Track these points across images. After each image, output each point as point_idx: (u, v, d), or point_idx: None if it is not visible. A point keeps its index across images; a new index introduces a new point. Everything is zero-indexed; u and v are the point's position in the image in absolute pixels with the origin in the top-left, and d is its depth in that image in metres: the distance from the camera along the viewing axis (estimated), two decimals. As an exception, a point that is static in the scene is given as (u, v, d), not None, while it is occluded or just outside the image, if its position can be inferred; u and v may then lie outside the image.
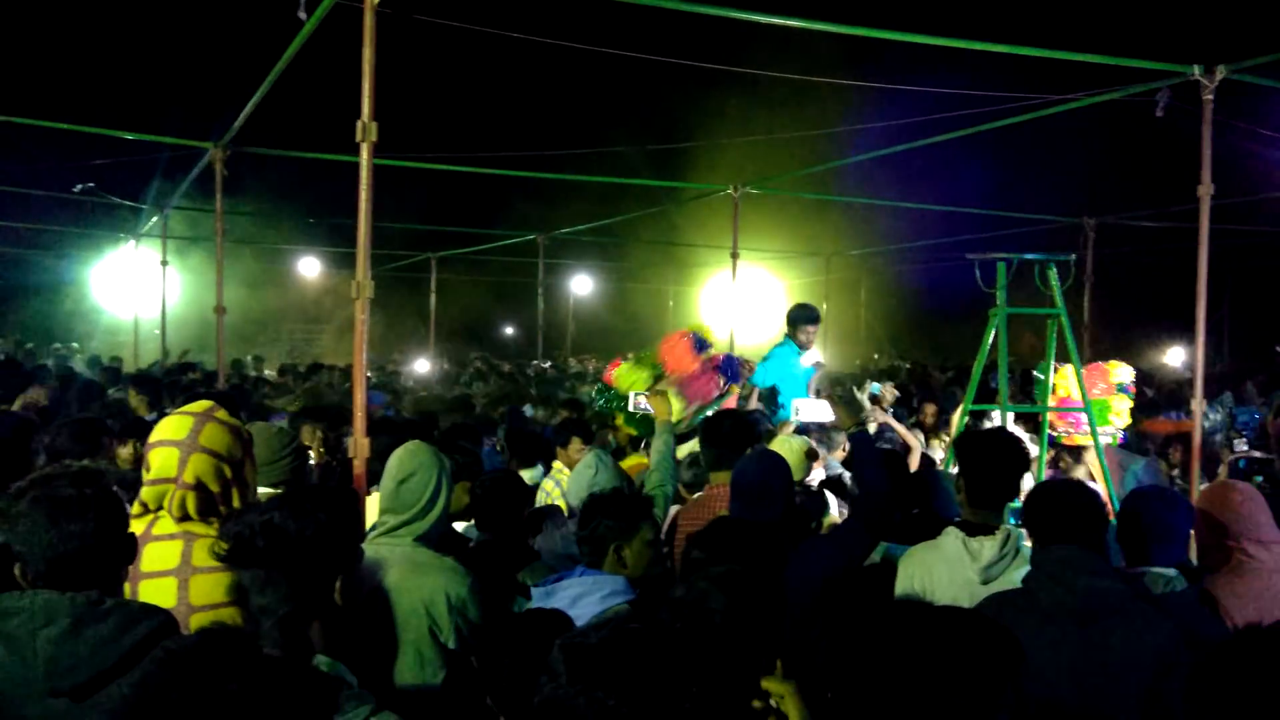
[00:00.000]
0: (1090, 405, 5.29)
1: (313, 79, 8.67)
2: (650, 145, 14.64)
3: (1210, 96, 5.71)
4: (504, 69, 18.85)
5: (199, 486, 2.61)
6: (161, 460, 2.62)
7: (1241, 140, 7.67)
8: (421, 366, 17.56)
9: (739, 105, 14.72)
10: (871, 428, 6.76)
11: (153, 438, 2.69)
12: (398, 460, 3.11)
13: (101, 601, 2.03)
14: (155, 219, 13.54)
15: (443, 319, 20.34)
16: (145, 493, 2.65)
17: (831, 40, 6.14)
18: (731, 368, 5.05)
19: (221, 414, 2.74)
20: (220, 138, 8.70)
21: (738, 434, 4.16)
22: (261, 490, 3.30)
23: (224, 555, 2.17)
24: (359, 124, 4.20)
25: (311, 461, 5.78)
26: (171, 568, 2.55)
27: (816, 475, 5.27)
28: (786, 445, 4.77)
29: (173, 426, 2.67)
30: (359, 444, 4.13)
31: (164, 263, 12.24)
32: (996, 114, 7.95)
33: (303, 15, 5.24)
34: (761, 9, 5.78)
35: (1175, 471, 6.66)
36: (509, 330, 32.42)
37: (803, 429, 5.54)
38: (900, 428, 6.74)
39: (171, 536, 2.59)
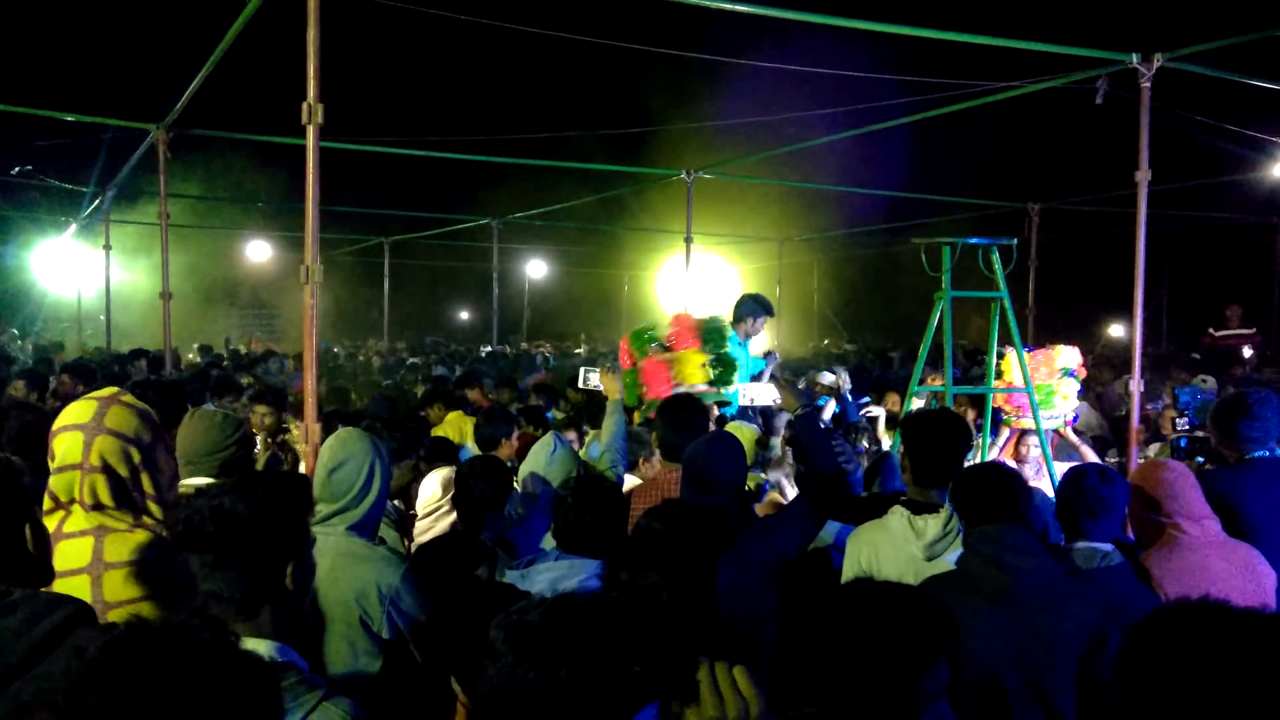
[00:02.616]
0: (1032, 389, 5.40)
1: (260, 59, 8.52)
2: (605, 130, 14.59)
3: (1147, 84, 5.84)
4: (457, 52, 18.66)
5: (106, 469, 2.51)
6: (66, 446, 2.51)
7: (1178, 127, 7.86)
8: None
9: (693, 90, 14.75)
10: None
11: (56, 425, 2.57)
12: (329, 448, 3.05)
13: (9, 593, 1.91)
14: (98, 202, 13.22)
15: (396, 304, 20.10)
16: (53, 483, 2.53)
17: (784, 26, 6.16)
18: None
19: (128, 397, 2.63)
20: (163, 119, 8.51)
21: (697, 424, 4.16)
22: (199, 481, 3.21)
23: (173, 540, 2.13)
24: (304, 106, 4.14)
25: (257, 449, 5.71)
26: (84, 565, 2.43)
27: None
28: (739, 432, 4.81)
29: (77, 412, 2.57)
30: (310, 429, 4.10)
31: (107, 247, 11.95)
32: (944, 100, 8.07)
33: (246, -6, 5.15)
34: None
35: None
36: (464, 315, 32.18)
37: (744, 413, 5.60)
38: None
39: (82, 533, 2.48)
